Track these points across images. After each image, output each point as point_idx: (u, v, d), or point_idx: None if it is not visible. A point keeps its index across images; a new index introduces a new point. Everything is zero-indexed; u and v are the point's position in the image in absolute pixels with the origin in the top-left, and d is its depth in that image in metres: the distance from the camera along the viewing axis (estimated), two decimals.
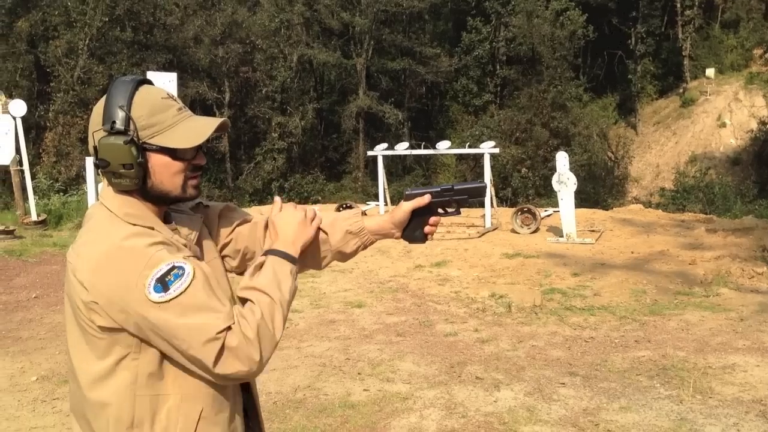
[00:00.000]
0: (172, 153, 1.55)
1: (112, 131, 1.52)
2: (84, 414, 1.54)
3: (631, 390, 4.92)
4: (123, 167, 1.52)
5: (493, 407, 4.66)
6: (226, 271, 1.82)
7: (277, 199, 1.75)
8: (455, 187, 1.81)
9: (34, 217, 12.81)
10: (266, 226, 1.81)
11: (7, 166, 12.91)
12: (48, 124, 27.19)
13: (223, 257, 1.80)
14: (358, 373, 5.40)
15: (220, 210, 1.80)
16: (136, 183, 1.54)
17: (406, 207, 1.78)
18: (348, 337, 6.46)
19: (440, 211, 1.82)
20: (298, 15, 34.66)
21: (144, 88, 1.57)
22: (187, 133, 1.55)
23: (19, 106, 12.54)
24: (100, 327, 1.46)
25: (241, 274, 1.83)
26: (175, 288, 1.41)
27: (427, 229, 1.81)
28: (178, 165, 1.57)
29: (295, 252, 1.66)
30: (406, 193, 1.80)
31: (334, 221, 1.80)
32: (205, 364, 1.43)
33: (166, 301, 1.40)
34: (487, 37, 36.90)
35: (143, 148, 1.53)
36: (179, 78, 11.90)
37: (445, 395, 4.90)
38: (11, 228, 11.89)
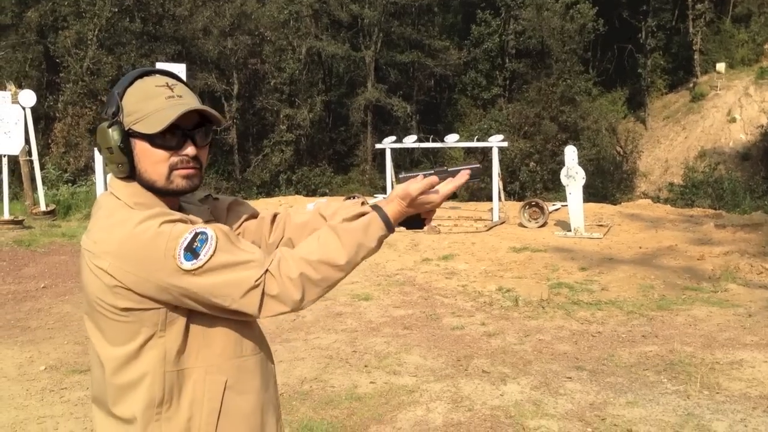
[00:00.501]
0: (151, 140, 1.53)
1: (105, 117, 1.56)
2: (107, 400, 1.56)
3: (638, 385, 4.91)
4: (108, 151, 1.55)
5: (499, 401, 4.66)
6: None
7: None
8: (449, 170, 1.76)
9: (43, 207, 12.87)
10: (273, 221, 1.84)
11: (17, 157, 12.96)
12: (57, 115, 27.27)
13: None
14: (365, 366, 5.41)
15: (228, 203, 1.82)
16: (124, 169, 1.55)
17: (415, 192, 1.74)
18: (355, 329, 6.47)
19: None
20: (307, 7, 34.60)
21: (147, 78, 1.58)
22: (159, 119, 1.52)
23: (28, 97, 12.58)
24: (124, 309, 1.48)
25: None
26: (205, 252, 1.44)
27: (424, 214, 1.77)
28: (158, 153, 1.54)
29: (398, 217, 1.64)
30: (400, 176, 1.76)
31: (336, 210, 1.80)
32: (249, 312, 1.49)
33: (199, 267, 1.44)
34: (496, 30, 36.77)
35: (128, 135, 1.54)
36: (188, 69, 11.90)
37: (451, 388, 4.91)
38: (20, 218, 11.95)
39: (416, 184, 1.63)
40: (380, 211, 1.60)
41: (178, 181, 1.57)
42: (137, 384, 1.52)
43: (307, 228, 1.81)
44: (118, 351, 1.52)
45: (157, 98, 1.54)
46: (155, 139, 1.53)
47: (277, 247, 1.82)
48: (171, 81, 1.59)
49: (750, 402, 4.56)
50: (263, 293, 1.47)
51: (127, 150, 1.54)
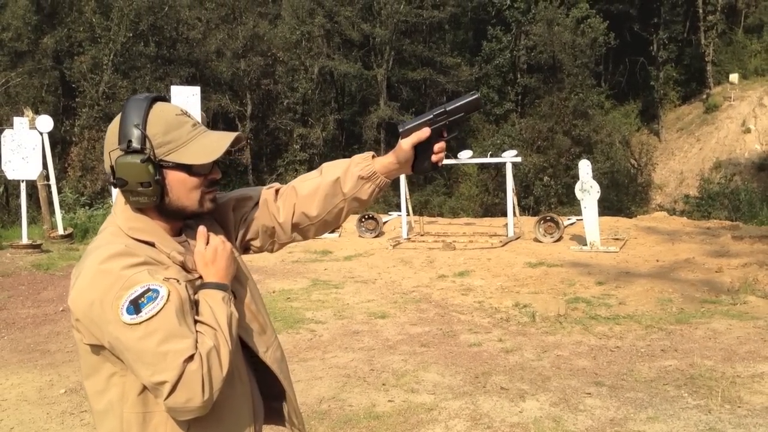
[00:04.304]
0: (188, 169, 1.57)
1: (129, 150, 1.54)
2: (95, 424, 1.61)
3: (658, 400, 4.87)
4: (141, 185, 1.54)
5: (518, 418, 4.64)
6: (256, 251, 1.88)
7: (201, 229, 1.66)
8: (448, 108, 1.75)
9: (60, 231, 12.96)
10: (276, 197, 1.82)
11: (34, 181, 13.09)
12: (74, 139, 27.58)
13: (248, 241, 1.84)
14: (383, 384, 5.40)
15: (232, 204, 1.82)
16: (154, 200, 1.57)
17: (407, 145, 1.73)
18: (372, 347, 6.46)
19: (443, 135, 1.76)
20: (318, 27, 34.86)
21: (158, 106, 1.59)
22: (202, 148, 1.57)
23: (45, 122, 12.72)
24: (86, 344, 1.51)
25: (271, 251, 1.89)
26: (147, 311, 1.42)
27: (434, 158, 1.76)
28: (194, 181, 1.59)
29: (226, 281, 1.62)
30: (401, 130, 1.74)
31: (347, 168, 1.78)
32: (162, 392, 1.42)
33: (137, 323, 1.41)
34: (507, 45, 36.87)
35: (160, 166, 1.55)
36: (202, 92, 11.99)
37: (470, 406, 4.89)
38: (38, 242, 12.05)
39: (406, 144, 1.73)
40: (202, 286, 1.59)
41: (207, 204, 1.63)
42: (105, 414, 1.55)
43: (317, 195, 1.78)
44: (90, 379, 1.56)
45: (182, 127, 1.58)
46: (193, 168, 1.57)
47: (291, 226, 1.80)
48: (182, 108, 1.63)
49: None
50: (182, 376, 1.41)
51: (161, 181, 1.56)
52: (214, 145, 1.58)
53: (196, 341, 1.45)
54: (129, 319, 1.41)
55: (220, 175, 1.65)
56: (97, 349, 1.50)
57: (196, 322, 1.50)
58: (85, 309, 1.46)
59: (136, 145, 1.53)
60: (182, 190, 1.58)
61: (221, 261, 1.62)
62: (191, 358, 1.42)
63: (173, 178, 1.57)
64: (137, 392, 1.51)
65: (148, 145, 1.53)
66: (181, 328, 1.44)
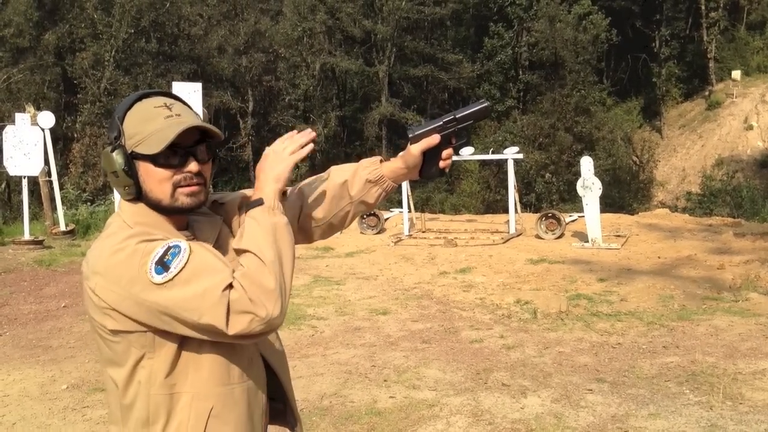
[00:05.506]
0: (154, 160, 1.55)
1: (109, 142, 1.59)
2: (118, 420, 1.59)
3: (660, 396, 4.87)
4: (113, 175, 1.57)
5: (520, 414, 4.64)
6: None
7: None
8: (458, 116, 1.77)
9: (62, 227, 12.98)
10: (282, 198, 1.79)
11: (36, 178, 13.10)
12: (75, 135, 27.61)
13: None
14: (384, 380, 5.40)
15: (238, 202, 1.79)
16: (131, 191, 1.58)
17: (416, 151, 1.73)
18: (373, 344, 6.46)
19: (451, 142, 1.78)
20: (320, 23, 34.81)
21: (146, 100, 1.60)
22: (157, 138, 1.54)
23: (47, 118, 12.72)
24: (111, 331, 1.50)
25: None
26: (176, 265, 1.43)
27: (442, 164, 1.78)
28: (161, 172, 1.56)
29: (270, 191, 1.61)
30: (411, 135, 1.74)
31: (355, 171, 1.78)
32: (219, 328, 1.42)
33: (170, 280, 1.42)
34: (509, 42, 36.79)
35: (132, 157, 1.56)
36: (203, 88, 11.99)
37: (471, 402, 4.89)
38: (40, 238, 12.07)
39: (415, 149, 1.73)
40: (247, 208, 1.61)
41: (183, 199, 1.59)
42: (132, 405, 1.55)
43: (324, 197, 1.79)
44: (119, 372, 1.55)
45: (156, 119, 1.56)
46: (158, 159, 1.55)
47: (296, 228, 1.80)
48: (169, 101, 1.61)
49: None
50: (229, 305, 1.41)
51: (132, 172, 1.56)
52: (166, 132, 1.54)
53: (233, 271, 1.46)
54: (160, 278, 1.42)
55: (197, 168, 1.59)
56: (123, 334, 1.50)
57: (236, 251, 1.52)
58: (116, 292, 1.46)
59: (112, 137, 1.58)
60: (152, 182, 1.57)
61: (273, 161, 1.64)
62: (231, 286, 1.42)
63: (143, 169, 1.57)
64: (164, 375, 1.52)
65: (121, 136, 1.56)
66: (211, 266, 1.45)
